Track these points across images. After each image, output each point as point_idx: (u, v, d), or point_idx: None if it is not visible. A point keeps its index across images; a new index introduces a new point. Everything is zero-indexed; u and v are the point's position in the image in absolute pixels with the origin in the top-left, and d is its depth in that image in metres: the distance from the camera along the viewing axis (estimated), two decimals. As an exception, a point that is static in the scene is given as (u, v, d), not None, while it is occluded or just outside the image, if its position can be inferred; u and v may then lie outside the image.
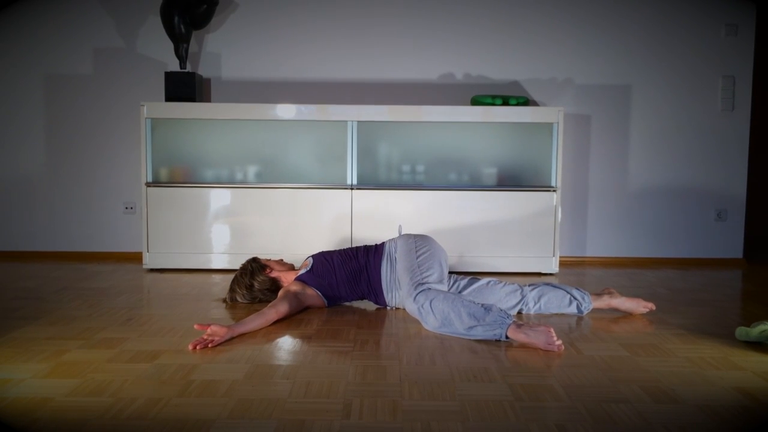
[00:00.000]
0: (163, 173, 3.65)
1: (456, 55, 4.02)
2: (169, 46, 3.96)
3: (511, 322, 2.19)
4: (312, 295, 2.66)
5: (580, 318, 2.59)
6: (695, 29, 4.02)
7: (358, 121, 3.61)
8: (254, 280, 2.72)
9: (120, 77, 4.03)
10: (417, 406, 1.64)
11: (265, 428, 1.51)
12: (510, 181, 3.67)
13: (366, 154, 3.65)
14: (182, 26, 3.74)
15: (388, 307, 2.73)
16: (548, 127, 3.62)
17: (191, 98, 3.71)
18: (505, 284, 2.66)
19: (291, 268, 2.84)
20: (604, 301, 2.65)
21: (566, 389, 1.77)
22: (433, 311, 2.32)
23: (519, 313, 2.65)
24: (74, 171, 4.07)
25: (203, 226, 3.64)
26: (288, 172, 3.66)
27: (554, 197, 3.63)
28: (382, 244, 2.72)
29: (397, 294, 2.65)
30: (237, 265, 3.12)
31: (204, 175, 3.67)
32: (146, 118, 3.60)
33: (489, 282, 2.66)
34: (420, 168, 3.67)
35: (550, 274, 3.65)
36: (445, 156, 3.66)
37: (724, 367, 1.97)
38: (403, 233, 2.83)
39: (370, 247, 2.74)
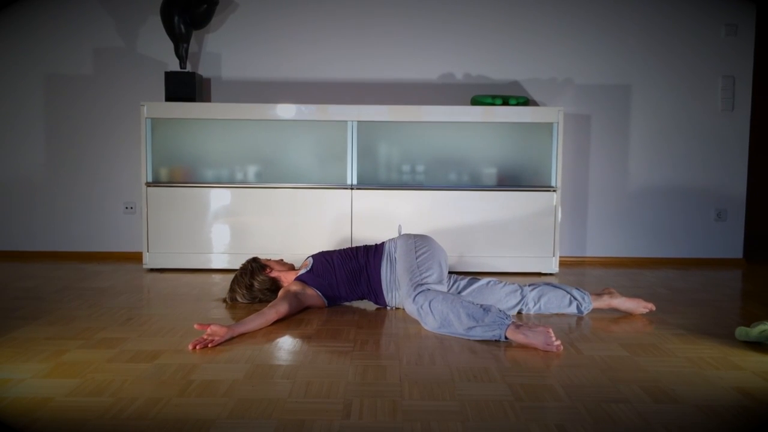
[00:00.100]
0: (163, 173, 3.66)
1: (456, 55, 4.02)
2: (169, 46, 3.96)
3: (510, 322, 2.19)
4: (312, 295, 2.66)
5: (580, 318, 2.59)
6: (695, 29, 4.02)
7: (358, 121, 3.61)
8: (254, 280, 2.72)
9: (120, 77, 4.03)
10: (417, 406, 1.64)
11: (265, 428, 1.51)
12: (510, 181, 3.67)
13: (366, 154, 3.65)
14: (182, 26, 3.74)
15: (388, 307, 2.73)
16: (548, 127, 3.62)
17: (191, 98, 3.71)
18: (505, 284, 2.66)
19: (291, 268, 2.84)
20: (604, 301, 2.65)
21: (566, 389, 1.77)
22: (432, 312, 2.32)
23: (519, 313, 2.65)
24: (74, 171, 4.08)
25: (203, 226, 3.64)
26: (288, 172, 3.67)
27: (554, 197, 3.63)
28: (382, 244, 2.72)
29: (396, 294, 2.65)
30: (237, 265, 3.12)
31: (204, 175, 3.67)
32: (146, 118, 3.60)
33: (489, 282, 2.66)
34: (420, 168, 3.67)
35: (550, 274, 3.65)
36: (445, 156, 3.66)
37: (724, 367, 1.97)
38: (402, 233, 2.83)
39: (370, 247, 2.75)
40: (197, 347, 2.11)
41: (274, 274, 2.75)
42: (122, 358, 2.01)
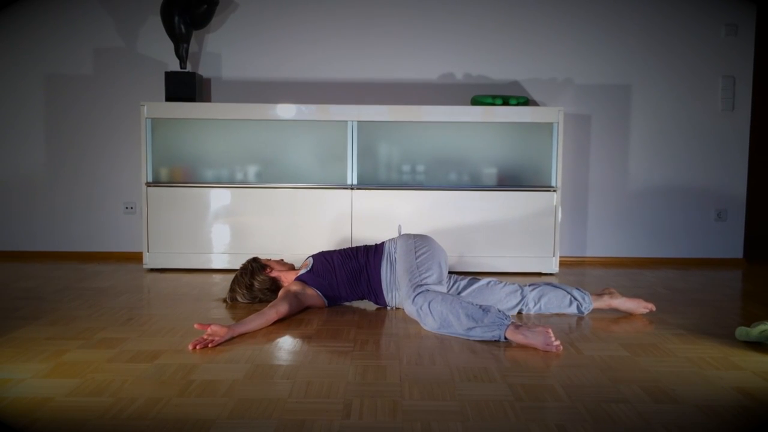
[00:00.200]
0: (164, 173, 3.66)
1: (456, 55, 4.02)
2: (170, 46, 3.96)
3: (509, 323, 2.19)
4: (312, 295, 2.66)
5: (580, 318, 2.59)
6: (695, 29, 4.02)
7: (359, 121, 3.61)
8: (254, 280, 2.72)
9: (120, 77, 4.03)
10: (417, 406, 1.64)
11: (265, 428, 1.51)
12: (510, 181, 3.67)
13: (366, 154, 3.65)
14: (182, 26, 3.74)
15: (388, 307, 2.73)
16: (548, 127, 3.62)
17: (191, 98, 3.71)
18: (505, 284, 2.66)
19: (291, 268, 2.84)
20: (605, 302, 2.65)
21: (566, 389, 1.77)
22: (431, 313, 2.32)
23: (519, 313, 2.65)
24: (74, 171, 4.08)
25: (203, 226, 3.64)
26: (288, 172, 3.67)
27: (554, 197, 3.63)
28: (382, 244, 2.72)
29: (396, 294, 2.65)
30: (237, 265, 3.13)
31: (204, 175, 3.67)
32: (146, 118, 3.60)
33: (489, 282, 2.66)
34: (420, 168, 3.67)
35: (550, 274, 3.65)
36: (445, 156, 3.66)
37: (724, 367, 1.97)
38: (402, 233, 2.83)
39: (370, 247, 2.74)
40: (197, 347, 2.11)
41: (274, 274, 2.75)
42: (122, 358, 2.01)
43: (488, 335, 2.19)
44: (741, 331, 2.23)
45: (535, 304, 2.64)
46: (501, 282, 2.67)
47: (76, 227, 4.10)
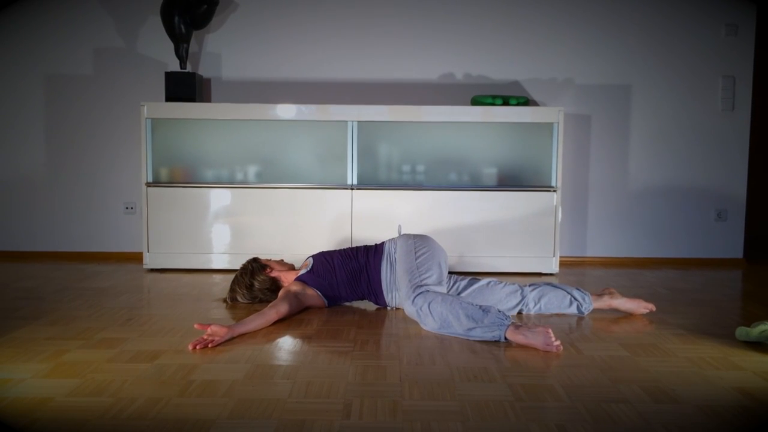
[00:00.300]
0: (164, 173, 3.66)
1: (456, 55, 4.02)
2: (170, 46, 3.96)
3: (509, 323, 2.19)
4: (312, 295, 2.66)
5: (580, 318, 2.59)
6: (695, 29, 4.02)
7: (359, 121, 3.61)
8: (254, 280, 2.72)
9: (120, 77, 4.03)
10: (417, 406, 1.64)
11: (265, 428, 1.51)
12: (510, 181, 3.67)
13: (366, 154, 3.65)
14: (182, 26, 3.74)
15: (388, 308, 2.73)
16: (548, 127, 3.62)
17: (191, 98, 3.71)
18: (505, 285, 2.66)
19: (291, 268, 2.84)
20: (605, 302, 2.65)
21: (566, 389, 1.77)
22: (431, 314, 2.32)
23: (519, 313, 2.65)
24: (74, 171, 4.08)
25: (203, 226, 3.64)
26: (288, 172, 3.67)
27: (554, 197, 3.63)
28: (382, 244, 2.72)
29: (397, 294, 2.65)
30: (237, 265, 3.13)
31: (204, 175, 3.67)
32: (146, 118, 3.60)
33: (489, 282, 2.66)
34: (420, 168, 3.67)
35: (551, 274, 3.64)
36: (445, 156, 3.66)
37: (724, 367, 1.97)
38: (402, 233, 2.83)
39: (370, 247, 2.74)
40: (197, 347, 2.11)
41: (274, 274, 2.75)
42: (122, 358, 2.01)
43: (488, 335, 2.19)
44: (741, 331, 2.23)
45: (535, 305, 2.64)
46: (501, 282, 2.67)
47: (76, 227, 4.10)
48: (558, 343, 2.11)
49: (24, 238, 4.11)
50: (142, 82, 4.02)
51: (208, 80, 4.03)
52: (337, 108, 3.61)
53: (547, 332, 2.11)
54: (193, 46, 4.00)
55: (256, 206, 3.63)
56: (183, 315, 2.59)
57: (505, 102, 3.64)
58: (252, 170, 3.67)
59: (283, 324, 2.44)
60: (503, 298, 2.62)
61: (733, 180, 4.08)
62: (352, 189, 3.63)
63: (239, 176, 3.67)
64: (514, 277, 3.54)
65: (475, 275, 3.10)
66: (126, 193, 4.08)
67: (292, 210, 3.63)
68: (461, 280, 2.69)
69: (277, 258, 3.41)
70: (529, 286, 2.68)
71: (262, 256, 3.23)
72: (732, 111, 4.05)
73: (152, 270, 3.67)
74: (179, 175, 3.66)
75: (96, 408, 1.61)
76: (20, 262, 3.88)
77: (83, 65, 4.02)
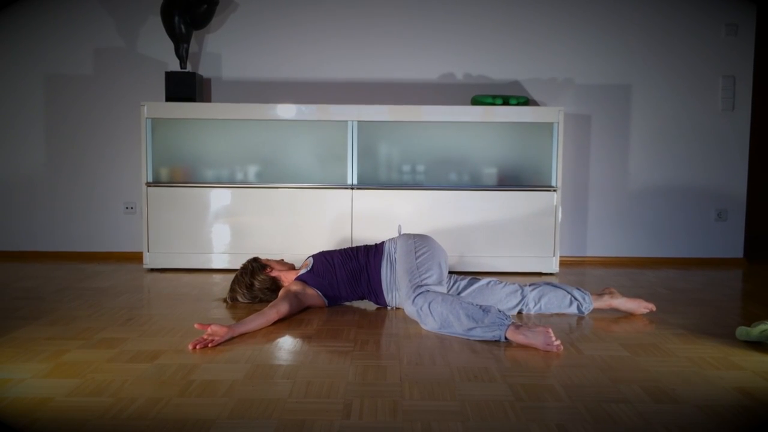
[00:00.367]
0: (164, 173, 3.66)
1: (456, 55, 4.02)
2: (170, 46, 3.96)
3: (509, 323, 2.19)
4: (312, 294, 2.66)
5: (580, 318, 2.59)
6: (695, 29, 4.02)
7: (359, 121, 3.61)
8: (255, 280, 2.72)
9: (120, 77, 4.03)
10: (417, 406, 1.64)
11: (265, 428, 1.51)
12: (510, 181, 3.66)
13: (366, 154, 3.65)
14: (182, 26, 3.74)
15: (389, 307, 2.73)
16: (548, 126, 3.62)
17: (191, 98, 3.71)
18: (505, 284, 2.66)
19: (291, 268, 2.84)
20: (605, 302, 2.65)
21: (566, 389, 1.77)
22: (432, 314, 2.32)
23: (519, 313, 2.65)
24: (74, 171, 4.08)
25: (203, 226, 3.64)
26: (288, 172, 3.66)
27: (554, 197, 3.63)
28: (382, 244, 2.72)
29: (397, 294, 2.65)
30: (237, 265, 3.12)
31: (204, 175, 3.67)
32: (146, 118, 3.60)
33: (489, 282, 2.66)
34: (420, 168, 3.67)
35: (551, 274, 3.64)
36: (445, 156, 3.66)
37: (724, 367, 1.97)
38: (402, 233, 2.83)
39: (370, 246, 2.74)
40: (197, 347, 2.10)
41: (274, 273, 2.75)
42: (122, 358, 2.01)
43: (489, 335, 2.19)
44: (741, 331, 2.23)
45: (536, 304, 2.64)
46: (501, 282, 2.67)
47: (76, 227, 4.10)
48: (558, 342, 2.11)
49: (24, 238, 4.11)
50: (142, 82, 4.02)
51: (208, 80, 4.03)
52: (337, 108, 3.61)
53: (548, 332, 2.11)
54: (193, 46, 4.00)
55: (256, 206, 3.63)
56: (183, 315, 2.59)
57: (505, 102, 3.64)
58: (252, 170, 3.67)
59: (283, 324, 2.44)
60: (503, 298, 2.62)
61: (733, 180, 4.08)
62: (352, 189, 3.63)
63: (239, 176, 3.67)
64: (514, 276, 3.54)
65: (475, 275, 3.10)
66: (126, 193, 4.08)
67: (292, 210, 3.63)
68: (461, 279, 2.69)
69: (277, 258, 3.41)
70: (530, 285, 2.68)
71: (262, 256, 3.22)
72: (732, 111, 4.05)
73: (152, 270, 3.67)
74: (179, 175, 3.66)
75: (96, 408, 1.61)
76: (20, 262, 3.88)
77: (83, 65, 4.02)
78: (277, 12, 4.01)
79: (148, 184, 3.62)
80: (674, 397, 1.72)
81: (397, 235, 3.27)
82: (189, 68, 4.00)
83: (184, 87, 3.71)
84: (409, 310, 2.42)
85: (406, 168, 3.67)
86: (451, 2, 4.00)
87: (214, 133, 3.65)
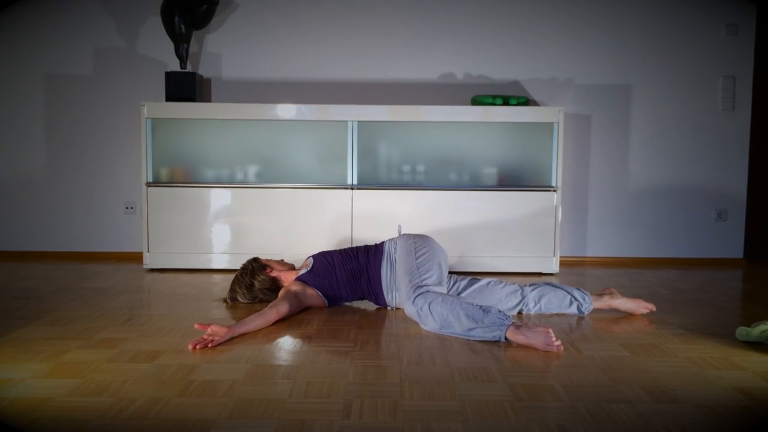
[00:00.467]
0: (164, 173, 3.66)
1: (456, 55, 4.02)
2: (170, 46, 3.96)
3: (510, 323, 2.19)
4: (312, 295, 2.66)
5: (580, 318, 2.59)
6: (695, 29, 4.02)
7: (359, 121, 3.61)
8: (255, 280, 2.72)
9: (120, 77, 4.03)
10: (417, 406, 1.64)
11: (265, 428, 1.51)
12: (510, 181, 3.66)
13: (366, 154, 3.65)
14: (182, 26, 3.74)
15: (389, 308, 2.73)
16: (548, 126, 3.62)
17: (191, 98, 3.71)
18: (505, 284, 2.66)
19: (291, 268, 2.84)
20: (605, 302, 2.65)
21: (566, 389, 1.77)
22: (432, 314, 2.32)
23: (519, 313, 2.65)
24: (74, 171, 4.08)
25: (203, 226, 3.64)
26: (288, 172, 3.67)
27: (554, 197, 3.63)
28: (382, 244, 2.72)
29: (397, 294, 2.65)
30: (237, 265, 3.12)
31: (204, 175, 3.67)
32: (146, 118, 3.60)
33: (489, 282, 2.66)
34: (420, 168, 3.67)
35: (551, 274, 3.64)
36: (445, 156, 3.66)
37: (724, 367, 1.97)
38: (402, 233, 2.83)
39: (370, 247, 2.74)
40: (197, 347, 2.10)
41: (274, 273, 2.75)
42: (122, 358, 2.01)
43: (489, 336, 2.19)
44: (741, 331, 2.23)
45: (536, 305, 2.64)
46: (501, 282, 2.67)
47: (76, 227, 4.10)
48: (558, 343, 2.11)
49: (24, 238, 4.11)
50: (142, 82, 4.02)
51: (208, 80, 4.03)
52: (337, 108, 3.61)
53: (548, 332, 2.11)
54: (193, 46, 4.00)
55: (256, 206, 3.63)
56: (183, 315, 2.59)
57: (506, 102, 3.64)
58: (252, 170, 3.67)
59: (283, 324, 2.44)
60: (503, 298, 2.62)
61: (733, 180, 4.08)
62: (352, 189, 3.63)
63: (239, 176, 3.67)
64: (514, 277, 3.54)
65: (475, 275, 3.10)
66: (126, 193, 4.08)
67: (292, 210, 3.64)
68: (461, 280, 2.69)
69: (277, 258, 3.41)
70: (530, 286, 2.68)
71: (262, 256, 3.23)
72: (732, 111, 4.05)
73: (152, 270, 3.67)
74: (179, 175, 3.66)
75: (96, 408, 1.61)
76: (20, 262, 3.88)
77: (83, 65, 4.02)
78: (277, 12, 4.01)
79: (148, 184, 3.62)
80: (674, 397, 1.72)
81: (397, 235, 3.27)
82: (189, 68, 4.00)
83: (184, 87, 3.71)
84: (409, 310, 2.42)
85: (406, 168, 3.67)
86: (451, 2, 4.00)
87: (214, 133, 3.65)
